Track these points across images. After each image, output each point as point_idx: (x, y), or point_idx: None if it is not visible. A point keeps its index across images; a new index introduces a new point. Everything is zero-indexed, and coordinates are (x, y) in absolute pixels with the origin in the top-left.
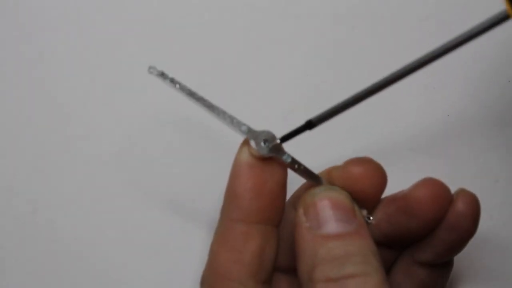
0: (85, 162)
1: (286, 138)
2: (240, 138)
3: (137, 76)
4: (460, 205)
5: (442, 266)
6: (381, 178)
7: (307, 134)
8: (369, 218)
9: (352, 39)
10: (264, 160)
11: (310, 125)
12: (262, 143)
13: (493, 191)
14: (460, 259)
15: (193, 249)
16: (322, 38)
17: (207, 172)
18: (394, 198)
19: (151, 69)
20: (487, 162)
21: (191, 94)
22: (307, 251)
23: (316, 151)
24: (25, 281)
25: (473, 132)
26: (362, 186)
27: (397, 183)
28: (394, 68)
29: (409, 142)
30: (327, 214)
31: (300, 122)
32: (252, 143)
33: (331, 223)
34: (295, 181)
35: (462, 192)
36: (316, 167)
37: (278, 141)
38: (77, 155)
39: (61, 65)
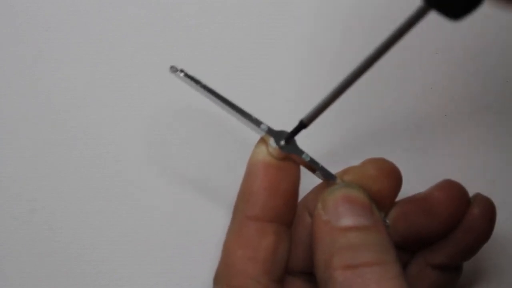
0: (84, 161)
1: (289, 138)
2: (251, 137)
3: (136, 76)
4: (477, 209)
5: (453, 270)
6: (397, 179)
7: (302, 136)
8: (385, 222)
9: (350, 39)
10: (280, 159)
11: (303, 124)
12: (282, 142)
13: (491, 191)
14: None
15: (196, 250)
16: (319, 38)
17: (209, 172)
18: (411, 199)
19: (172, 68)
20: (484, 163)
21: (213, 93)
22: (325, 241)
23: (314, 152)
24: (23, 280)
25: (470, 133)
26: (378, 187)
27: None
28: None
29: (405, 143)
30: (346, 209)
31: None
32: (272, 141)
33: (349, 217)
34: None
35: (479, 196)
36: None
37: (283, 141)
38: (76, 154)
39: (60, 65)
